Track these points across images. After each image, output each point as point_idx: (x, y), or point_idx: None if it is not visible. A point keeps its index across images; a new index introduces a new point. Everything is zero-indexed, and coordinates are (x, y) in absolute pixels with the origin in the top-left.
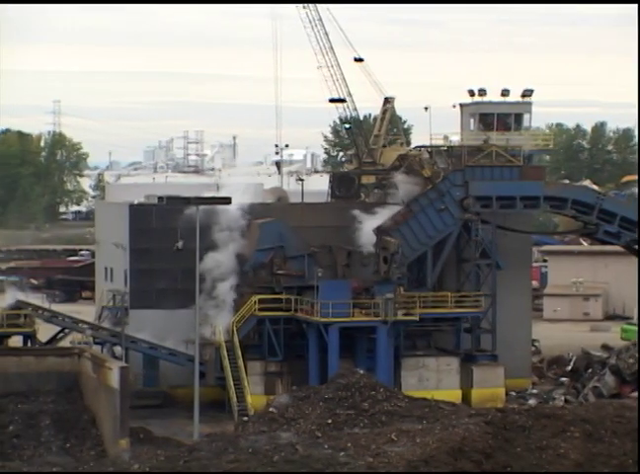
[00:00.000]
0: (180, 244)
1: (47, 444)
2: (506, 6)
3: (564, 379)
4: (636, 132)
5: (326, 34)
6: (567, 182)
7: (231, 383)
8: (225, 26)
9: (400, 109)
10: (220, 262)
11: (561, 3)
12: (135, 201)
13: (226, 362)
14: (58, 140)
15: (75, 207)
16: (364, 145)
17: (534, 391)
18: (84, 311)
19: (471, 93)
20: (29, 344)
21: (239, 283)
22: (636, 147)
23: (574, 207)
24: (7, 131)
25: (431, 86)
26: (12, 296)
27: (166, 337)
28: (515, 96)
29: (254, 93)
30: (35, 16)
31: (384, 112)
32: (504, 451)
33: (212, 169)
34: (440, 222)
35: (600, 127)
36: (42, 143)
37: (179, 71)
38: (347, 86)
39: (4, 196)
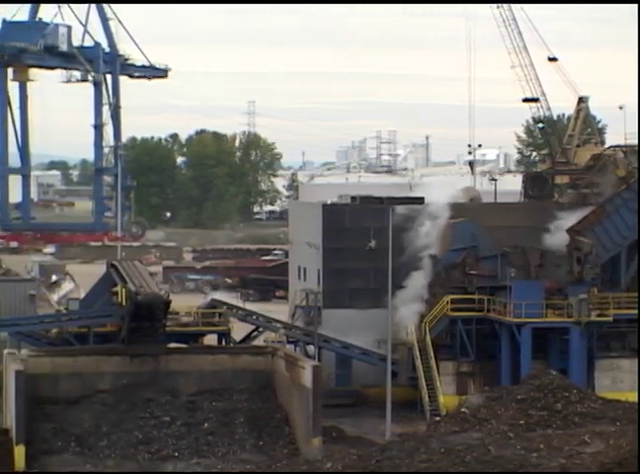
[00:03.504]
0: (372, 244)
1: (241, 442)
2: None
3: None
4: None
5: (519, 33)
6: None
7: (423, 383)
8: (418, 26)
9: (594, 108)
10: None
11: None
12: (329, 201)
13: (418, 362)
14: (253, 141)
15: (269, 207)
16: (558, 145)
17: None
18: (277, 310)
19: None
20: (223, 342)
21: (432, 283)
22: None
23: None
24: (202, 132)
25: (626, 85)
26: (207, 295)
27: (358, 336)
28: None
29: (447, 93)
30: (226, 19)
31: (578, 111)
32: None
33: (405, 169)
34: (634, 222)
35: None
36: (237, 144)
37: (372, 72)
38: (540, 85)
39: (199, 196)
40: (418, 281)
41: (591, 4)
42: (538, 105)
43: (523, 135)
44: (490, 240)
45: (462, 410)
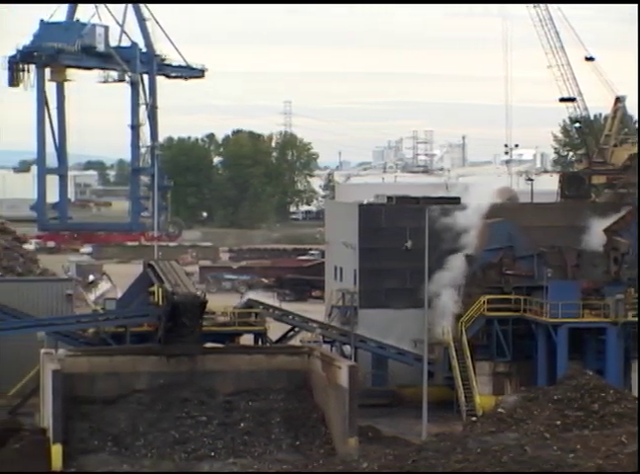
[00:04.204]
0: (409, 244)
1: (278, 442)
2: None
3: None
4: None
5: (556, 33)
6: None
7: (459, 383)
8: (454, 26)
9: (632, 108)
10: (451, 262)
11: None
12: (365, 201)
13: (454, 362)
14: (289, 140)
15: (305, 207)
16: (595, 145)
17: None
18: (314, 310)
19: None
20: (259, 342)
21: (468, 283)
22: None
23: None
24: (239, 132)
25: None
26: (243, 295)
27: (394, 336)
28: None
29: (484, 93)
30: (259, 18)
31: (615, 111)
32: None
33: (441, 169)
34: None
35: None
36: (274, 144)
37: (408, 72)
38: (577, 85)
39: (236, 196)
40: (456, 268)
41: (605, 4)
42: (575, 104)
43: (560, 135)
44: (527, 240)
45: (499, 410)
